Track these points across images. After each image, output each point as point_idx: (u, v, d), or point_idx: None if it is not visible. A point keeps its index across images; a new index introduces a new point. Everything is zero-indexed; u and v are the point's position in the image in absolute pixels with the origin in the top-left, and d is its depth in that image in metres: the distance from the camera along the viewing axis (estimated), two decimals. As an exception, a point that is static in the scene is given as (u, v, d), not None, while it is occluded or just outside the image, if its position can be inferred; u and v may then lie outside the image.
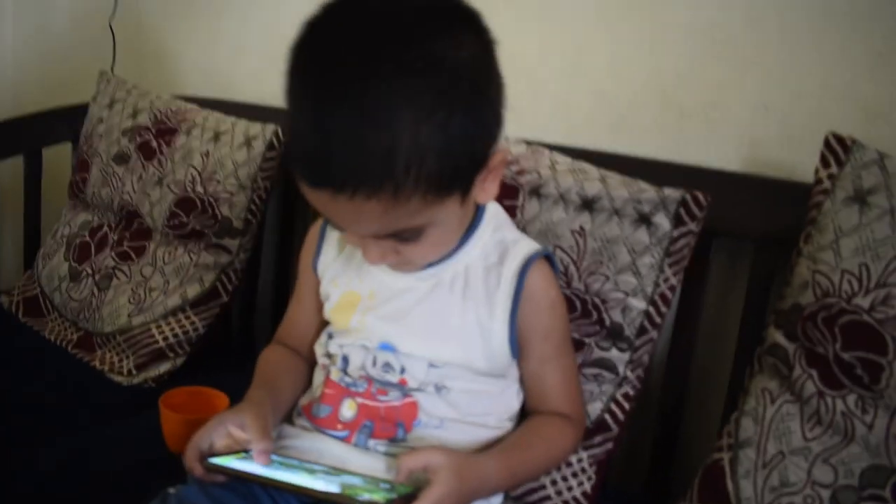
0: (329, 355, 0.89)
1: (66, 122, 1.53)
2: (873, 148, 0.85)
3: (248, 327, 1.44)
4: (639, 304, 0.94)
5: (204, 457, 0.78)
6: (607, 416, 0.96)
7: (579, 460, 0.96)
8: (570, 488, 0.96)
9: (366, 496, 0.74)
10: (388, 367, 0.84)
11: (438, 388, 0.83)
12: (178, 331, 1.25)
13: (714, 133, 1.05)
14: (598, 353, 0.96)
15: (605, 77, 1.13)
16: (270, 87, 1.48)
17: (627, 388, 0.96)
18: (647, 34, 1.09)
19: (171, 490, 0.80)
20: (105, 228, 1.40)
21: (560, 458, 0.90)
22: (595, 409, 0.96)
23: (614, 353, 0.96)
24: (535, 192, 1.00)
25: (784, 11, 0.98)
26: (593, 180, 0.98)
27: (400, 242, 0.75)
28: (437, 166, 0.67)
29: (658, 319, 0.95)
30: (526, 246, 0.87)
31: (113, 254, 1.35)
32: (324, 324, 0.95)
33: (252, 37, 1.54)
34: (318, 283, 0.94)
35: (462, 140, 0.68)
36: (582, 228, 0.96)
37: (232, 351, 1.43)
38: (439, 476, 0.73)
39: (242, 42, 1.56)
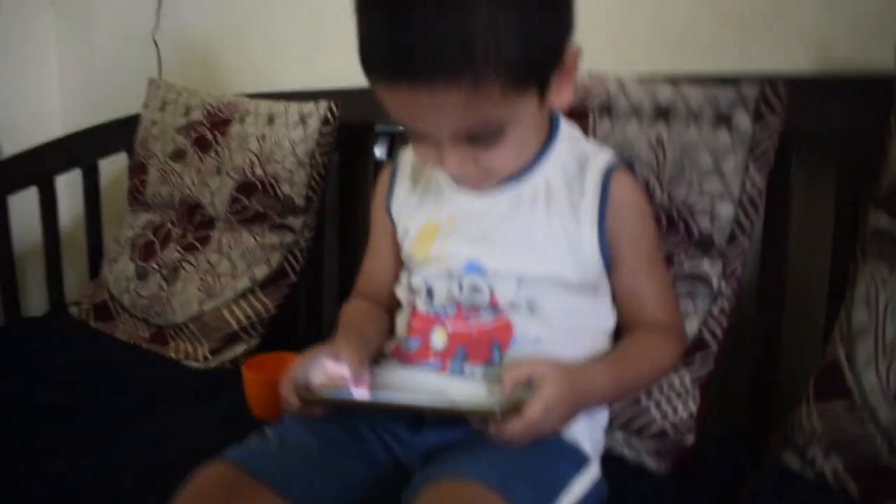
0: (412, 290, 0.87)
1: (119, 133, 1.56)
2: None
3: (317, 307, 1.42)
4: (727, 209, 0.91)
5: (300, 391, 0.76)
6: (706, 333, 0.92)
7: (681, 381, 0.92)
8: (675, 410, 0.91)
9: (474, 408, 0.72)
10: (475, 289, 0.81)
11: (530, 306, 0.80)
12: (249, 312, 1.25)
13: (778, 41, 1.02)
14: (689, 266, 0.93)
15: (659, 4, 1.12)
16: (315, 72, 1.52)
17: (723, 303, 0.92)
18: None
19: (269, 431, 0.78)
20: (168, 225, 1.41)
21: (665, 369, 0.86)
22: (692, 327, 0.92)
23: (706, 265, 0.92)
24: (606, 110, 0.97)
25: None
26: (665, 89, 0.95)
27: (478, 147, 0.73)
28: (516, 53, 0.66)
29: (748, 225, 0.91)
30: (606, 155, 0.85)
31: (178, 247, 1.35)
32: (400, 272, 0.93)
33: (290, 26, 1.56)
34: (392, 227, 0.93)
35: (539, 27, 0.68)
36: (659, 138, 0.93)
37: (301, 332, 1.41)
38: (547, 381, 0.70)
39: (282, 33, 1.59)
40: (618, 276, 0.85)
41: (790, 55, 1.01)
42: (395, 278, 0.93)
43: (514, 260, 0.81)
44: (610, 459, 0.87)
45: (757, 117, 0.89)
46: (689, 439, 0.90)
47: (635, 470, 0.90)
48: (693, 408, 0.91)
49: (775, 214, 0.99)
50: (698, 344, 0.93)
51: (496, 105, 0.68)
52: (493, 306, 0.81)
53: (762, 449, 0.89)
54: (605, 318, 0.86)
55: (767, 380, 1.00)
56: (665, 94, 0.94)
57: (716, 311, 0.93)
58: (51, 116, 2.01)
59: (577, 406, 0.73)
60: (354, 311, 0.96)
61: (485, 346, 0.80)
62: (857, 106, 0.93)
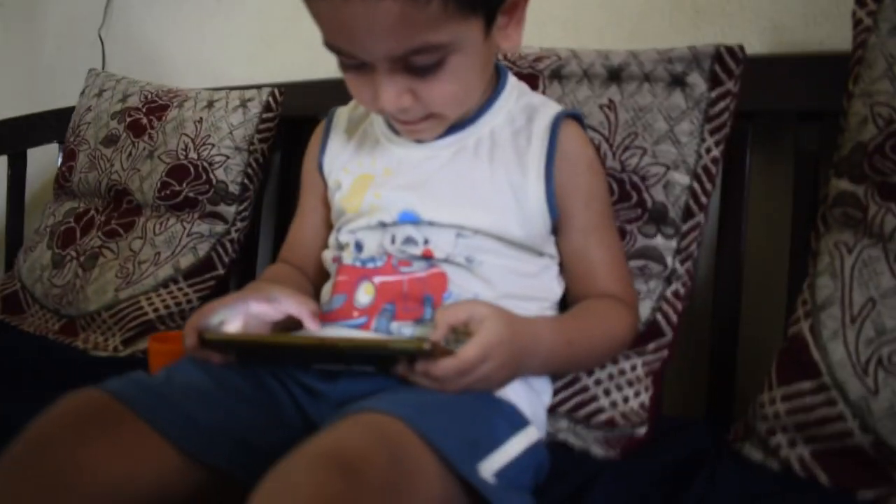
0: (340, 246, 0.79)
1: (53, 123, 1.48)
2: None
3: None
4: (682, 178, 0.85)
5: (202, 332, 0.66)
6: (659, 317, 0.85)
7: (633, 368, 0.84)
8: (626, 399, 0.83)
9: (400, 344, 0.62)
10: (409, 241, 0.74)
11: (469, 260, 0.73)
12: (170, 302, 1.14)
13: (733, 25, 1.00)
14: (642, 241, 0.86)
15: (613, -11, 1.09)
16: (262, 67, 1.47)
17: (677, 286, 0.85)
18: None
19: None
20: (92, 212, 1.31)
21: (618, 342, 0.78)
22: (645, 310, 0.85)
23: (660, 241, 0.86)
24: (556, 74, 0.92)
25: None
26: (618, 53, 0.91)
27: (417, 76, 0.66)
28: None
29: (704, 199, 0.85)
30: (554, 106, 0.80)
31: (99, 233, 1.25)
32: (327, 237, 0.85)
33: (238, 22, 1.53)
34: (324, 187, 0.86)
35: None
36: (611, 101, 0.88)
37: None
38: (487, 324, 0.61)
39: (229, 29, 1.55)
40: (567, 237, 0.78)
41: (745, 38, 0.97)
42: (323, 246, 0.85)
43: (452, 210, 0.73)
44: (553, 444, 0.78)
45: (713, 80, 0.85)
46: (641, 431, 0.81)
47: (581, 454, 0.80)
48: (645, 398, 0.83)
49: (732, 194, 0.93)
50: (651, 329, 0.85)
51: (436, 25, 0.62)
52: (428, 257, 0.73)
53: (724, 440, 0.80)
54: (552, 287, 0.79)
55: (727, 368, 0.92)
56: (618, 56, 0.90)
57: (669, 293, 0.85)
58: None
59: (516, 360, 0.64)
60: (275, 272, 0.87)
61: (415, 302, 0.71)
62: (813, 83, 0.90)
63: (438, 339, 0.62)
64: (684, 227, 0.86)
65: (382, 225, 0.75)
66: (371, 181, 0.78)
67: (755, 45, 0.97)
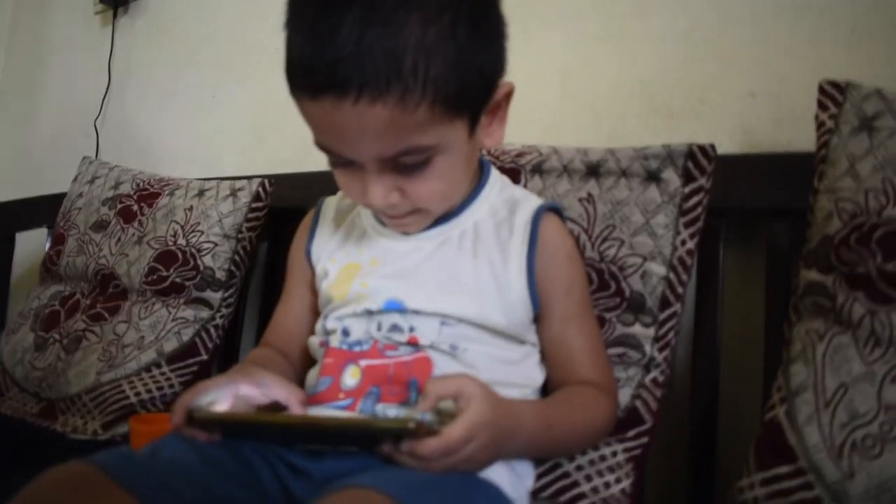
0: (326, 331, 0.81)
1: (44, 209, 1.51)
2: (867, 84, 0.86)
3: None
4: (658, 268, 0.89)
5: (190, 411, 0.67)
6: (639, 404, 0.87)
7: (614, 454, 0.85)
8: (607, 485, 0.83)
9: (385, 423, 0.63)
10: (395, 328, 0.76)
11: (453, 348, 0.74)
12: (151, 386, 1.13)
13: (706, 127, 1.06)
14: (620, 329, 0.89)
15: (593, 95, 1.16)
16: (254, 158, 1.52)
17: (656, 373, 0.87)
18: (628, 48, 1.13)
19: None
20: (77, 295, 1.31)
21: (599, 427, 0.79)
22: (624, 396, 0.87)
23: (638, 329, 0.89)
24: (537, 169, 0.97)
25: (755, 6, 1.04)
26: (596, 149, 0.96)
27: (405, 175, 0.69)
28: (446, 72, 0.63)
29: (680, 289, 0.89)
30: (535, 199, 0.83)
31: (84, 317, 1.26)
32: (313, 323, 0.86)
33: (231, 116, 1.58)
34: (311, 274, 0.88)
35: (468, 50, 0.65)
36: (590, 195, 0.93)
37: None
38: (473, 404, 0.63)
39: (222, 122, 1.60)
40: (547, 325, 0.80)
41: (717, 138, 1.02)
42: (308, 331, 0.87)
43: (437, 300, 0.76)
44: (533, 529, 0.78)
45: (686, 176, 0.90)
46: (622, 518, 0.81)
47: (561, 540, 0.80)
48: (627, 483, 0.83)
49: (707, 286, 0.97)
50: (631, 416, 0.86)
51: (423, 128, 0.65)
52: (413, 344, 0.75)
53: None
54: (533, 374, 0.80)
55: (707, 454, 0.93)
56: (596, 153, 0.95)
57: (648, 380, 0.87)
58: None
59: (499, 442, 0.65)
60: (262, 354, 0.88)
61: (400, 385, 0.72)
62: (781, 181, 0.95)
63: (427, 408, 0.63)
64: (661, 316, 0.89)
65: (369, 313, 0.77)
66: (358, 270, 0.81)
67: (726, 146, 1.03)
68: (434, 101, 0.63)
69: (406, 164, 0.68)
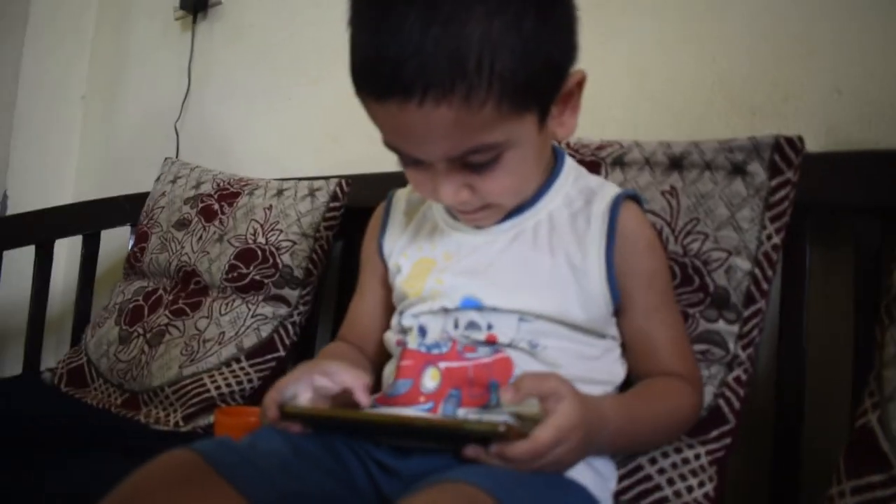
0: (403, 329, 0.80)
1: (127, 207, 1.56)
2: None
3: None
4: (743, 263, 0.86)
5: (281, 405, 0.69)
6: (721, 403, 0.85)
7: (697, 457, 0.83)
8: (689, 489, 0.82)
9: (475, 425, 0.63)
10: (472, 325, 0.75)
11: (532, 346, 0.74)
12: (231, 381, 1.17)
13: (789, 125, 1.03)
14: (704, 326, 0.87)
15: (672, 94, 1.14)
16: (328, 158, 1.54)
17: (739, 372, 0.85)
18: (707, 45, 1.11)
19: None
20: (160, 291, 1.36)
21: (682, 420, 0.78)
22: (707, 394, 0.85)
23: (722, 326, 0.87)
24: (618, 161, 0.96)
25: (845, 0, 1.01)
26: (679, 142, 0.94)
27: (474, 173, 0.68)
28: (511, 66, 0.61)
29: (765, 285, 0.86)
30: (612, 187, 0.81)
31: (167, 312, 1.30)
32: (387, 318, 0.87)
33: (306, 117, 1.61)
34: (384, 268, 0.88)
35: (536, 41, 0.62)
36: (673, 188, 0.91)
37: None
38: (562, 407, 0.61)
39: (297, 123, 1.63)
40: (629, 318, 0.79)
41: (801, 137, 1.02)
42: (383, 326, 0.87)
43: (514, 296, 0.75)
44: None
45: (772, 169, 0.88)
46: (705, 523, 0.80)
47: (644, 543, 0.79)
48: (709, 488, 0.82)
49: (793, 285, 0.94)
50: (714, 415, 0.84)
51: (491, 126, 0.64)
52: (492, 343, 0.74)
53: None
54: (615, 370, 0.79)
55: (792, 458, 0.90)
56: (679, 146, 0.94)
57: (731, 379, 0.85)
58: (63, 189, 2.06)
59: (586, 442, 0.64)
60: (335, 349, 0.89)
61: (481, 388, 0.72)
62: (870, 179, 0.91)
63: (515, 400, 0.62)
64: (746, 313, 0.87)
65: (445, 310, 0.77)
66: (433, 266, 0.80)
67: (811, 144, 1.00)
68: (501, 98, 0.62)
69: (475, 163, 0.67)
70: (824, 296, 0.97)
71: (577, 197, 0.80)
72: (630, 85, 1.18)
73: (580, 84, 0.72)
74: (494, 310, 0.75)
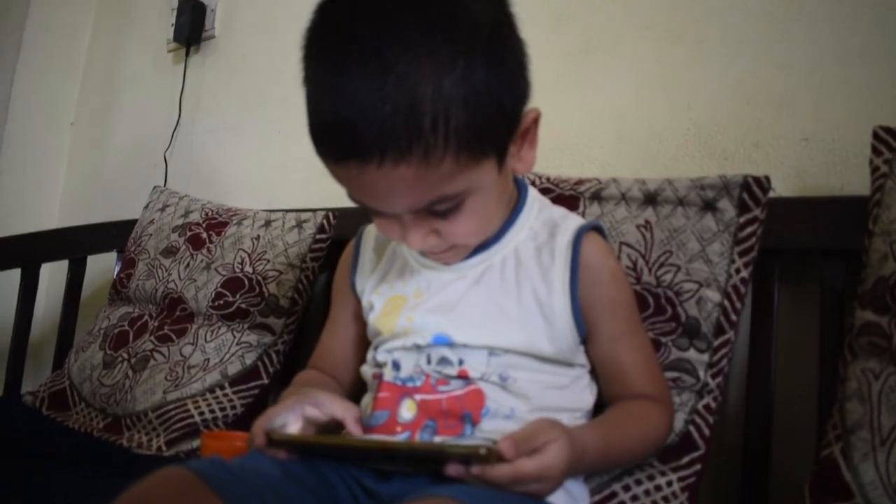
0: (378, 364, 0.82)
1: (115, 233, 1.59)
2: (922, 131, 0.89)
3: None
4: (713, 295, 0.91)
5: (269, 432, 0.72)
6: (692, 430, 0.89)
7: (669, 483, 0.86)
8: (661, 514, 0.85)
9: (457, 448, 0.66)
10: (444, 361, 0.77)
11: (503, 378, 0.76)
12: (214, 407, 1.18)
13: (760, 171, 1.07)
14: (675, 354, 0.91)
15: (649, 137, 1.19)
16: (316, 191, 1.57)
17: (709, 399, 0.90)
18: (683, 93, 1.17)
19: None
20: (146, 317, 1.37)
21: (653, 441, 0.81)
22: (678, 421, 0.89)
23: (693, 354, 0.91)
24: (596, 196, 1.01)
25: (810, 53, 1.07)
26: (654, 179, 1.00)
27: (439, 219, 0.70)
28: (465, 120, 0.62)
29: (734, 317, 0.91)
30: (575, 219, 0.84)
31: (152, 338, 1.31)
32: (359, 350, 0.90)
33: (298, 151, 1.63)
34: (356, 303, 0.90)
35: (487, 92, 0.64)
36: (647, 222, 0.96)
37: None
38: (551, 449, 0.65)
39: (289, 157, 1.66)
40: (596, 345, 0.81)
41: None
42: (356, 359, 0.90)
43: (483, 332, 0.77)
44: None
45: (741, 207, 0.93)
46: (676, 549, 0.83)
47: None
48: (680, 514, 0.85)
49: (762, 325, 0.98)
50: (685, 441, 0.88)
51: (451, 178, 0.65)
52: (463, 376, 0.76)
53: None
54: (584, 398, 0.82)
55: (760, 489, 0.93)
56: (654, 183, 0.99)
57: (701, 406, 0.89)
58: (49, 214, 2.07)
59: (564, 478, 0.67)
60: (311, 376, 0.91)
61: (455, 418, 0.75)
62: (836, 223, 0.96)
63: (507, 449, 0.63)
64: (716, 343, 0.91)
65: (417, 347, 0.79)
66: (404, 303, 0.82)
67: (780, 189, 1.06)
68: (458, 151, 0.63)
69: (439, 210, 0.69)
70: (792, 332, 1.01)
71: (542, 230, 0.82)
72: (609, 128, 1.23)
73: (535, 121, 0.74)
74: (465, 346, 0.77)
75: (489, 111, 0.65)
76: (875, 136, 0.91)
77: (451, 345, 0.77)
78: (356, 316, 0.90)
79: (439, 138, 0.62)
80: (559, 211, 0.86)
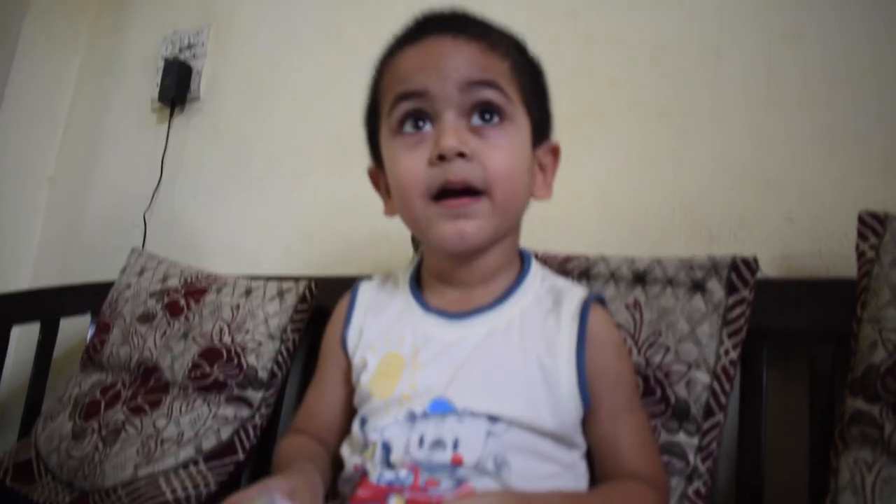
0: (366, 445, 0.78)
1: (89, 296, 1.54)
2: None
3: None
4: (703, 377, 0.90)
5: None
6: (682, 517, 0.86)
7: (658, 577, 0.84)
8: None
9: None
10: (438, 444, 0.74)
11: (498, 466, 0.73)
12: (188, 484, 1.13)
13: (746, 249, 1.08)
14: (665, 437, 0.90)
15: (635, 214, 1.20)
16: (299, 260, 1.55)
17: (699, 484, 0.88)
18: (669, 168, 1.18)
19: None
20: (119, 386, 1.33)
21: None
22: (667, 508, 0.87)
23: (682, 437, 0.89)
24: (585, 273, 1.00)
25: (794, 133, 1.08)
26: (643, 258, 0.99)
27: (478, 136, 0.76)
28: (520, 58, 0.81)
29: (723, 399, 0.90)
30: (580, 290, 0.85)
31: (125, 408, 1.26)
32: (346, 414, 0.86)
33: (280, 216, 1.62)
34: (346, 364, 0.87)
35: (532, 69, 0.84)
36: (636, 302, 0.95)
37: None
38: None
39: (271, 222, 1.64)
40: (595, 422, 0.80)
41: (757, 263, 1.07)
42: (344, 421, 0.86)
43: (486, 398, 0.75)
44: None
45: (730, 288, 0.92)
46: None
47: None
48: None
49: (751, 409, 0.97)
50: (674, 530, 0.86)
51: (504, 78, 0.77)
52: (456, 465, 0.73)
53: None
54: (580, 483, 0.79)
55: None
56: (643, 262, 0.99)
57: (691, 491, 0.87)
58: (21, 271, 2.03)
59: None
60: (294, 446, 0.87)
61: None
62: (823, 305, 0.96)
63: None
64: (705, 425, 0.89)
65: (412, 418, 0.75)
66: (402, 365, 0.80)
67: (766, 269, 1.05)
68: (513, 67, 0.79)
69: (482, 109, 0.76)
70: (781, 416, 1.00)
71: (546, 297, 0.83)
72: (595, 204, 1.24)
73: (556, 153, 0.87)
74: (464, 413, 0.74)
75: (533, 76, 0.83)
76: (860, 220, 0.92)
77: (450, 413, 0.74)
78: (346, 378, 0.87)
79: (503, 45, 0.79)
80: (563, 280, 0.87)
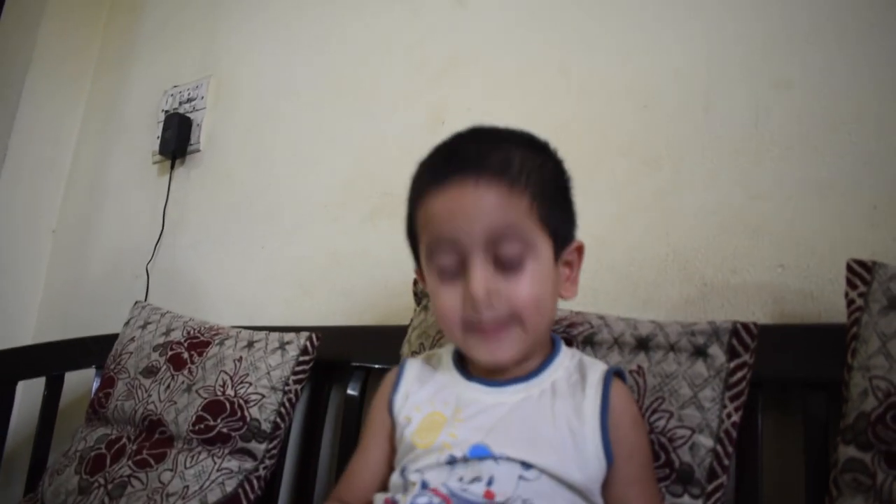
0: (405, 488, 0.83)
1: (93, 349, 1.56)
2: (892, 265, 0.92)
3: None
4: (706, 441, 0.91)
5: None
6: (685, 582, 0.87)
7: None
8: None
9: None
10: (476, 480, 0.79)
11: None
12: (193, 539, 1.15)
13: (737, 296, 1.11)
14: (670, 501, 0.91)
15: (628, 263, 1.22)
16: (300, 312, 1.57)
17: (704, 549, 0.89)
18: (661, 221, 1.20)
19: None
20: (124, 440, 1.34)
21: None
22: (673, 573, 0.88)
23: (687, 501, 0.90)
24: (589, 340, 1.03)
25: (783, 183, 1.11)
26: (645, 323, 1.01)
27: (503, 274, 0.81)
28: (540, 182, 0.83)
29: (726, 461, 0.91)
30: (602, 364, 0.91)
31: (130, 462, 1.28)
32: (388, 476, 0.89)
33: (281, 269, 1.64)
34: (391, 425, 0.92)
35: (554, 180, 0.87)
36: (640, 367, 0.97)
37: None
38: None
39: (271, 274, 1.67)
40: (610, 487, 0.84)
41: (749, 308, 1.09)
42: (383, 478, 0.90)
43: (521, 447, 0.81)
44: None
45: (731, 353, 0.95)
46: None
47: None
48: None
49: (747, 458, 0.98)
50: None
51: (525, 217, 0.81)
52: (488, 499, 0.77)
53: None
54: None
55: None
56: (645, 327, 1.01)
57: (696, 558, 0.88)
58: (25, 324, 2.04)
59: None
60: None
61: None
62: (815, 352, 0.98)
63: None
64: (709, 488, 0.90)
65: (452, 461, 0.81)
66: (444, 421, 0.86)
67: (758, 315, 1.08)
68: (532, 200, 0.81)
69: (505, 256, 0.81)
70: (777, 461, 1.01)
71: (574, 371, 0.90)
72: (590, 254, 1.24)
73: (580, 252, 0.92)
74: (501, 457, 0.80)
75: (555, 194, 0.87)
76: (849, 269, 0.94)
77: (487, 457, 0.80)
78: (390, 438, 0.92)
79: (522, 181, 0.81)
80: (588, 358, 0.93)
